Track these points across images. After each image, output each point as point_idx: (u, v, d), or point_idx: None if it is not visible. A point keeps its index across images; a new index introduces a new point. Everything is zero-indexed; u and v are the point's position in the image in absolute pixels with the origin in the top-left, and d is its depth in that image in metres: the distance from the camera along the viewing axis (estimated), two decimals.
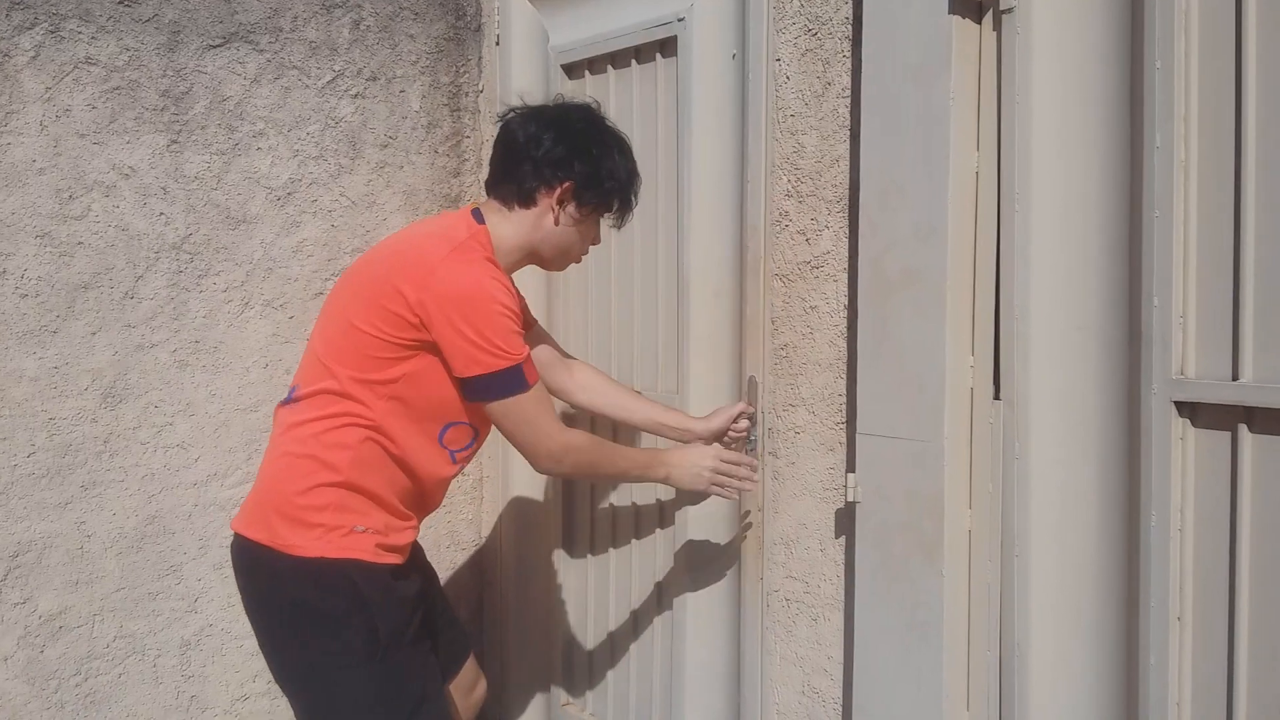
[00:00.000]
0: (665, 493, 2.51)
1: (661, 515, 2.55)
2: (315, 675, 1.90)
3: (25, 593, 2.44)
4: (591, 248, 2.12)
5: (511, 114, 2.03)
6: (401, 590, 1.95)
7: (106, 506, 2.52)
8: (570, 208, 1.98)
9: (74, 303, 2.44)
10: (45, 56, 2.37)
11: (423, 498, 2.02)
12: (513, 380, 1.86)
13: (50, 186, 2.39)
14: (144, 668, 2.60)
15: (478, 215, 1.98)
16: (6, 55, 2.32)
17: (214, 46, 2.58)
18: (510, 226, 1.98)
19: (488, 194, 2.04)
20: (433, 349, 1.86)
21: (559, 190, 1.96)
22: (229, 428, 2.66)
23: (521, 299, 2.06)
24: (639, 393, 2.38)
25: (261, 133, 2.65)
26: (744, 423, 2.23)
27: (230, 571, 2.64)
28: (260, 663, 2.70)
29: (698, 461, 2.10)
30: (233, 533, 2.01)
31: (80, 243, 2.44)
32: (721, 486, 2.12)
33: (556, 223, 1.98)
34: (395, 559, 1.95)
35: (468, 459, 2.03)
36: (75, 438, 2.47)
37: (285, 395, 2.00)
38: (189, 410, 2.61)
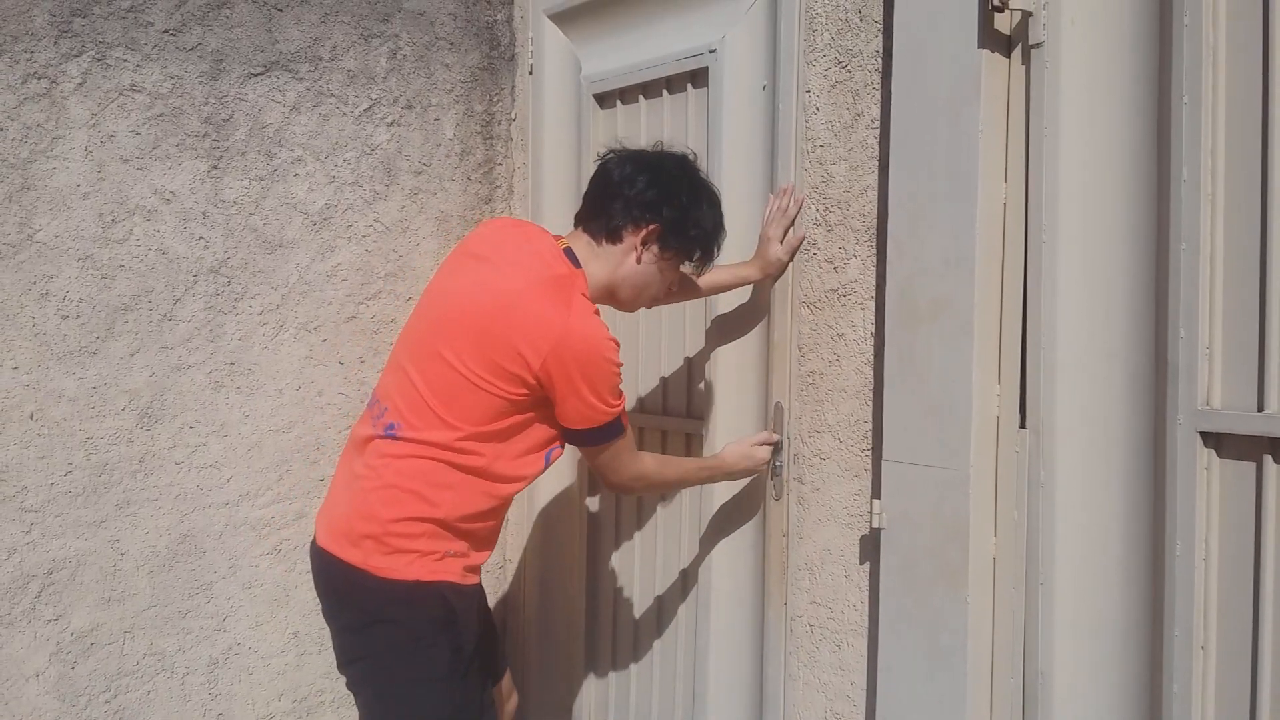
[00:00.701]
0: (690, 518, 2.53)
1: (685, 541, 2.57)
2: (398, 691, 1.95)
3: (58, 609, 2.47)
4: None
5: (610, 154, 2.10)
6: (479, 610, 2.05)
7: (140, 525, 2.56)
8: (654, 249, 2.03)
9: (114, 324, 2.50)
10: (91, 84, 2.43)
11: (502, 520, 2.11)
12: (613, 430, 1.99)
13: (94, 210, 2.45)
14: (173, 685, 2.63)
15: (570, 255, 2.01)
16: (54, 82, 2.39)
17: (255, 75, 2.64)
18: (598, 263, 2.03)
19: (576, 226, 2.10)
20: (545, 402, 1.94)
21: (645, 231, 2.01)
22: (261, 449, 2.70)
23: None
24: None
25: (299, 159, 2.71)
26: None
27: (259, 591, 2.69)
28: (286, 682, 2.73)
29: (748, 453, 2.22)
30: (315, 550, 2.05)
31: (121, 266, 2.49)
32: (766, 461, 2.26)
33: (639, 261, 2.03)
34: (477, 580, 2.03)
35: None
36: (111, 457, 2.51)
37: (384, 425, 1.99)
38: (222, 431, 2.65)
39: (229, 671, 2.69)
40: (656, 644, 2.66)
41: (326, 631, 2.76)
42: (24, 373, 2.40)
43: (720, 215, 2.10)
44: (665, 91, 2.61)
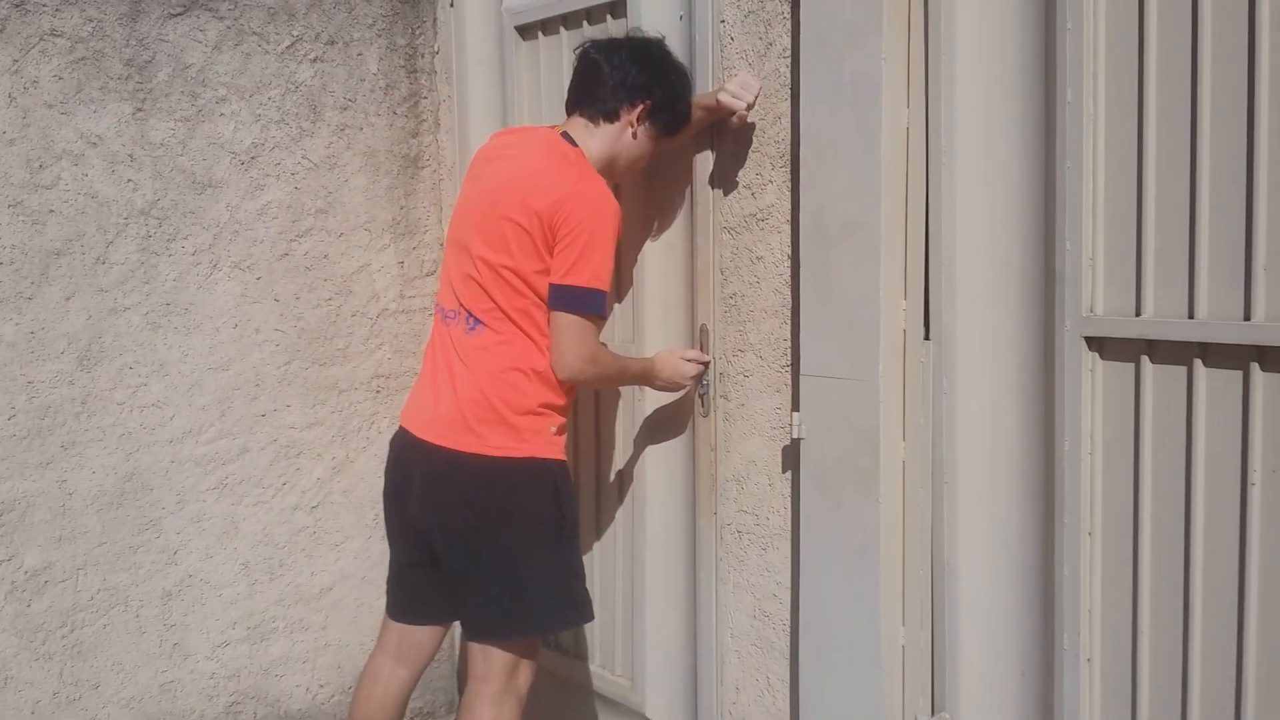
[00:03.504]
0: (625, 434, 2.65)
1: (621, 455, 2.69)
2: (516, 556, 2.20)
3: (10, 549, 2.54)
4: None
5: (589, 44, 2.32)
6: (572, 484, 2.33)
7: (86, 465, 2.62)
8: (646, 124, 2.26)
9: (48, 269, 2.52)
10: (11, 30, 2.43)
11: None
12: (595, 303, 2.16)
13: (20, 157, 2.46)
14: (128, 618, 2.71)
15: (568, 137, 2.25)
16: None
17: (175, 15, 2.65)
18: (595, 141, 2.27)
19: (570, 114, 2.31)
20: (547, 273, 2.15)
21: (638, 109, 2.23)
22: (202, 387, 2.76)
23: None
24: None
25: (224, 99, 2.73)
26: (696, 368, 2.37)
27: (208, 525, 2.76)
28: (239, 610, 2.83)
29: (677, 365, 2.37)
30: (414, 442, 2.26)
31: (51, 211, 2.51)
32: (693, 378, 2.40)
33: (634, 136, 2.27)
34: (564, 456, 2.28)
35: None
36: (54, 399, 2.56)
37: (462, 322, 2.23)
38: (162, 370, 2.70)
39: (182, 603, 2.78)
40: (596, 554, 2.79)
41: (276, 560, 2.87)
42: None
43: (691, 88, 2.32)
44: (585, 23, 2.67)
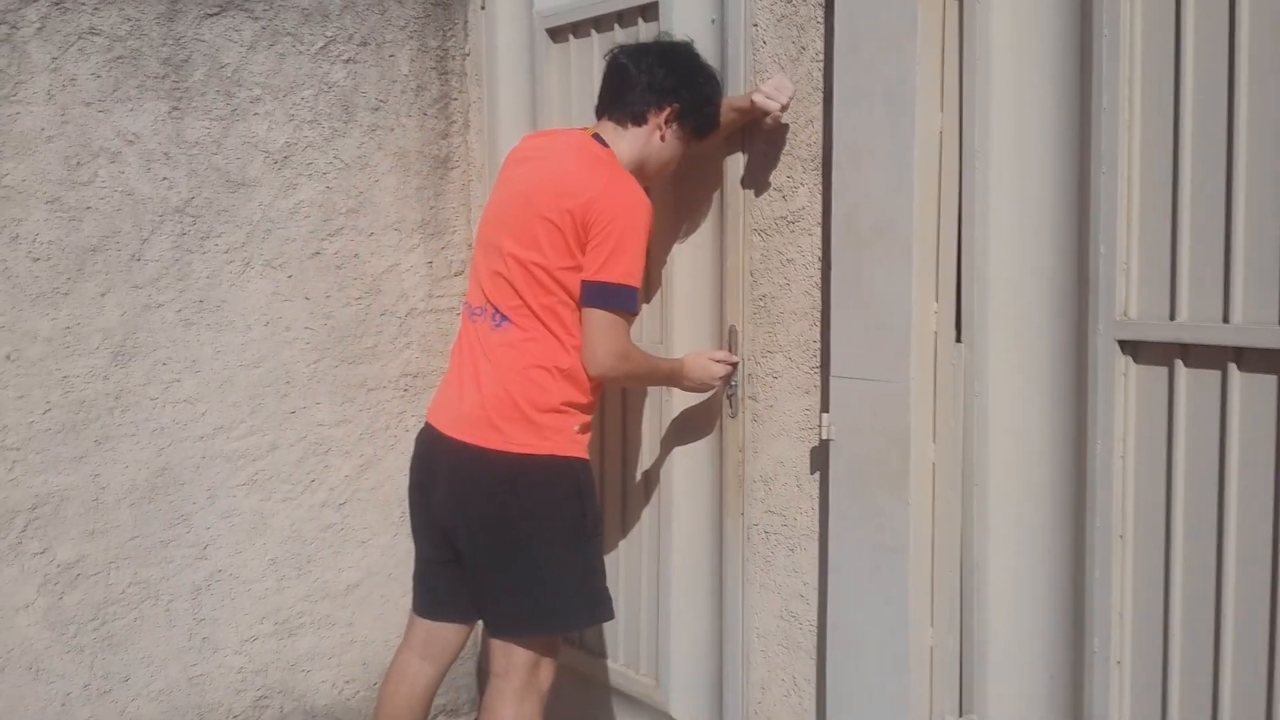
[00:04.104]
0: (652, 434, 2.67)
1: (648, 455, 2.71)
2: (537, 553, 2.22)
3: (44, 543, 2.57)
4: None
5: (618, 50, 2.35)
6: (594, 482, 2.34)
7: (119, 460, 2.65)
8: (674, 127, 2.29)
9: (84, 265, 2.56)
10: (51, 28, 2.46)
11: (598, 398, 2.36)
12: (627, 299, 2.18)
13: (59, 154, 2.49)
14: (158, 612, 2.74)
15: (599, 139, 2.29)
16: (14, 27, 2.42)
17: (210, 15, 2.68)
18: (625, 144, 2.29)
19: (599, 118, 2.35)
20: (577, 269, 2.16)
21: (666, 112, 2.26)
22: (233, 383, 2.79)
23: None
24: None
25: (258, 98, 2.76)
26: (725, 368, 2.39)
27: (237, 520, 2.79)
28: (267, 605, 2.86)
29: (705, 365, 2.38)
30: (439, 438, 2.29)
31: (88, 207, 2.55)
32: (722, 379, 2.41)
33: (663, 139, 2.29)
34: (587, 455, 2.30)
35: None
36: (88, 394, 2.59)
37: (488, 319, 2.25)
38: (195, 367, 2.73)
39: (212, 597, 2.80)
40: (623, 555, 2.81)
41: (304, 556, 2.89)
42: None
43: (721, 91, 2.33)
44: (616, 26, 2.68)
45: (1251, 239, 1.64)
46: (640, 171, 2.31)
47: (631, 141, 2.29)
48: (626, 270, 2.16)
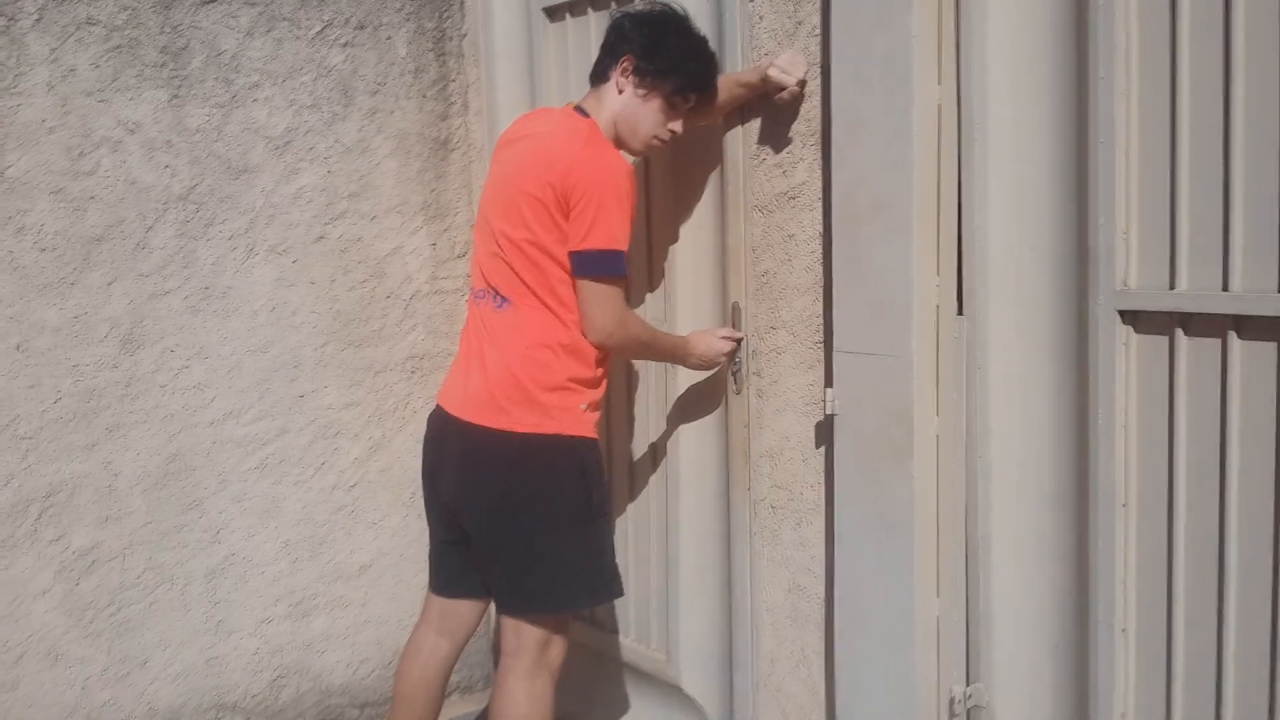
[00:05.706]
0: (658, 412, 2.68)
1: (655, 433, 2.73)
2: (542, 534, 2.23)
3: (59, 530, 2.60)
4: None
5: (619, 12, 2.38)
6: (602, 463, 2.33)
7: (131, 447, 2.67)
8: (632, 79, 2.24)
9: (89, 255, 2.57)
10: (49, 19, 2.46)
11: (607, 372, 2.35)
12: (616, 263, 2.17)
13: (61, 144, 2.50)
14: (173, 596, 2.77)
15: (582, 110, 2.28)
16: (12, 19, 2.42)
17: (207, 2, 2.68)
18: (599, 106, 2.28)
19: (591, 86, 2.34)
20: (565, 241, 2.16)
21: (622, 63, 2.24)
22: (241, 369, 2.81)
23: None
24: None
25: (257, 84, 2.76)
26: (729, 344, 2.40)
27: (249, 504, 2.81)
28: (281, 588, 2.89)
29: (711, 342, 2.39)
30: (448, 419, 2.30)
31: (92, 197, 2.56)
32: (727, 355, 2.42)
33: (620, 92, 2.26)
34: (594, 434, 2.29)
35: None
36: (98, 383, 2.61)
37: (491, 300, 2.26)
38: (203, 353, 2.75)
39: (226, 581, 2.83)
40: (633, 532, 2.83)
41: (317, 538, 2.92)
42: (6, 305, 2.48)
43: (694, 46, 2.26)
44: (614, 4, 2.67)
45: (1250, 207, 1.64)
46: (624, 138, 2.29)
47: (603, 104, 2.28)
48: (610, 235, 2.15)
